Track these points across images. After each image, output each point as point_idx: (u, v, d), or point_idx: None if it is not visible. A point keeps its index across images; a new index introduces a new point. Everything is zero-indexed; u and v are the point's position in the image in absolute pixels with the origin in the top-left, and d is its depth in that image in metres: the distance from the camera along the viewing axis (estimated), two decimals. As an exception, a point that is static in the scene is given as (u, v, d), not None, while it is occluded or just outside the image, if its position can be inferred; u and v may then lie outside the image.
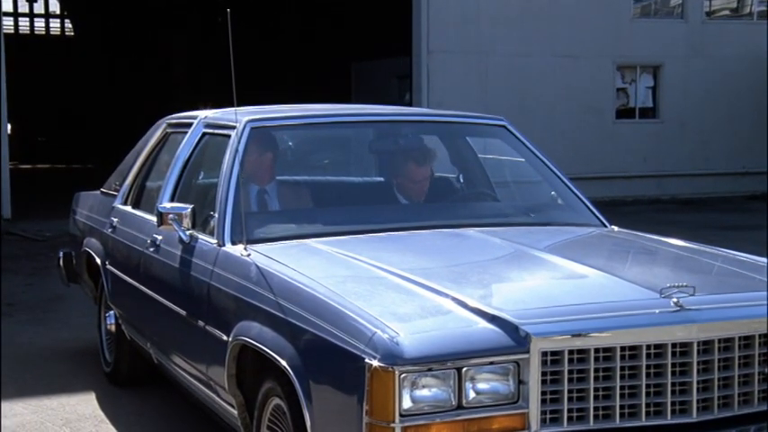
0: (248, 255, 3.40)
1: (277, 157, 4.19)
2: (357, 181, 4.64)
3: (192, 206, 3.80)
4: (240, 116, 3.98)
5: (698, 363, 2.73)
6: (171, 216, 3.77)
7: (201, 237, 3.79)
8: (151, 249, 4.20)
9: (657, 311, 2.75)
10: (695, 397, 2.74)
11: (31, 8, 31.41)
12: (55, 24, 32.34)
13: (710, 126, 16.67)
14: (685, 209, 15.00)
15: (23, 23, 31.29)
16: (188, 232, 3.79)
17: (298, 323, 2.92)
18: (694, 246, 3.78)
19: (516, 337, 2.62)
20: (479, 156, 4.64)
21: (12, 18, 30.08)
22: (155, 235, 4.18)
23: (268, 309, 3.10)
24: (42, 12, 32.13)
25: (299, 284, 3.06)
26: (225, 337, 3.33)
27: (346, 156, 4.68)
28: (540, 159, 4.32)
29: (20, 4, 31.09)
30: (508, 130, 4.39)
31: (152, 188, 4.83)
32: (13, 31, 29.00)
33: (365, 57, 18.91)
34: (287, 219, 3.97)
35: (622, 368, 2.68)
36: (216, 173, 4.29)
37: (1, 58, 12.24)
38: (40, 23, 31.99)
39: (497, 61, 15.42)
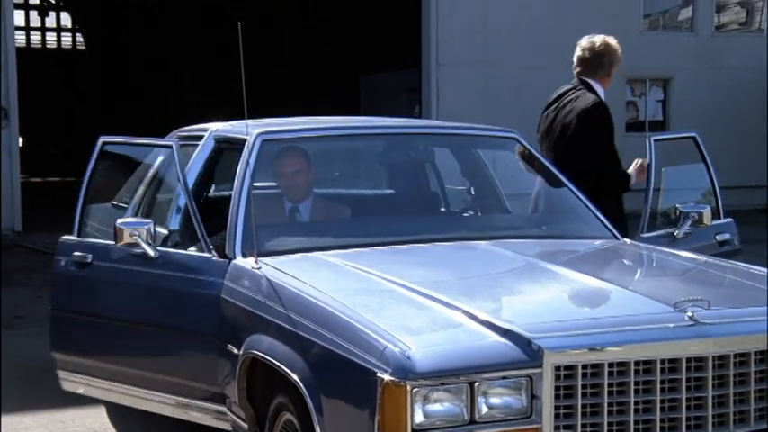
0: (259, 268, 3.39)
1: (311, 173, 4.16)
2: (368, 193, 4.63)
3: (152, 221, 3.80)
4: (251, 129, 3.98)
5: (713, 378, 2.71)
6: (132, 232, 3.71)
7: (178, 252, 3.80)
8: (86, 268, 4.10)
9: (672, 326, 2.73)
10: (710, 412, 2.71)
11: (42, 22, 31.61)
12: (66, 38, 32.52)
13: (721, 139, 16.61)
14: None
15: (35, 37, 31.48)
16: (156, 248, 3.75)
17: (309, 336, 2.90)
18: (706, 259, 3.76)
19: (529, 351, 2.61)
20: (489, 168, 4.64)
21: (24, 32, 30.25)
22: (80, 252, 4.11)
23: (279, 322, 3.08)
24: (54, 26, 32.32)
25: (310, 297, 3.04)
26: (236, 351, 3.31)
27: (357, 168, 4.67)
28: (550, 172, 4.31)
29: (32, 17, 31.29)
30: (519, 142, 4.37)
31: (162, 201, 4.82)
32: (24, 45, 29.18)
33: (374, 70, 18.95)
34: (297, 232, 3.96)
35: (636, 383, 2.66)
36: (224, 185, 4.30)
37: (12, 71, 12.30)
38: (51, 37, 32.17)
39: (506, 74, 15.41)
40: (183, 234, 3.96)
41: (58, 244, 4.30)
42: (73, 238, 4.25)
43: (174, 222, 4.06)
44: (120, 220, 3.79)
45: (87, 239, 4.24)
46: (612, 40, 4.89)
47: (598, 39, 4.87)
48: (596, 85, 4.83)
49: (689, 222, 4.21)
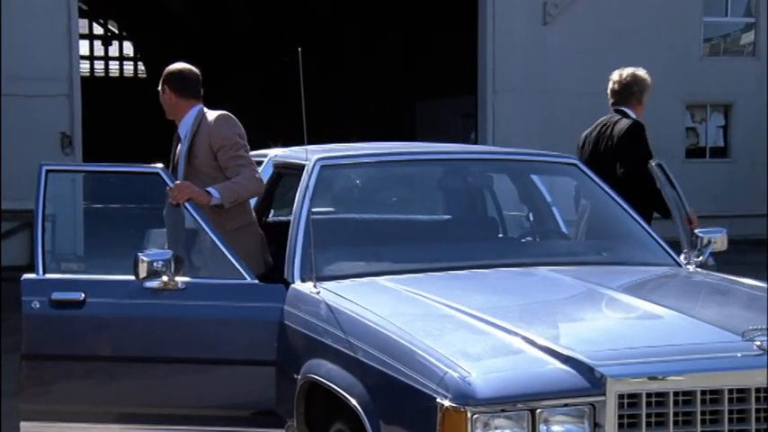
0: (318, 293, 3.40)
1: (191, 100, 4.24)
2: (425, 219, 4.62)
3: (172, 251, 3.57)
4: (310, 154, 4.01)
5: (782, 408, 2.63)
6: (158, 263, 3.49)
7: (209, 281, 3.69)
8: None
9: (740, 355, 2.66)
10: (780, 444, 2.63)
11: (106, 51, 32.36)
12: (129, 66, 33.24)
13: (783, 165, 16.28)
14: (757, 249, 14.63)
15: (99, 66, 32.24)
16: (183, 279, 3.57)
17: (368, 362, 2.90)
18: (771, 287, 3.67)
19: (591, 379, 2.57)
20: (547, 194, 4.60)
21: (88, 61, 30.99)
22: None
23: (338, 347, 3.08)
24: (117, 54, 33.07)
25: (369, 322, 3.04)
26: (294, 375, 3.32)
27: (415, 193, 4.67)
28: (612, 198, 4.25)
29: (96, 47, 32.06)
30: (579, 168, 4.33)
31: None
32: (88, 74, 29.91)
33: (430, 95, 18.99)
34: (356, 256, 3.96)
35: (703, 413, 2.60)
36: (283, 210, 4.31)
37: (77, 99, 12.59)
38: (114, 66, 32.91)
39: (563, 100, 15.33)
40: (220, 262, 3.79)
41: (23, 283, 3.74)
42: (42, 276, 3.73)
43: (208, 251, 3.87)
44: (140, 253, 3.53)
45: (76, 276, 3.89)
46: (640, 71, 5.32)
47: (626, 71, 5.32)
48: (630, 112, 5.24)
49: (711, 248, 4.08)
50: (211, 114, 4.25)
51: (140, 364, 3.71)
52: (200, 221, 3.80)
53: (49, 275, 3.74)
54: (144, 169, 4.07)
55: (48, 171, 3.93)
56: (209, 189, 3.94)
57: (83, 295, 3.68)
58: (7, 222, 11.63)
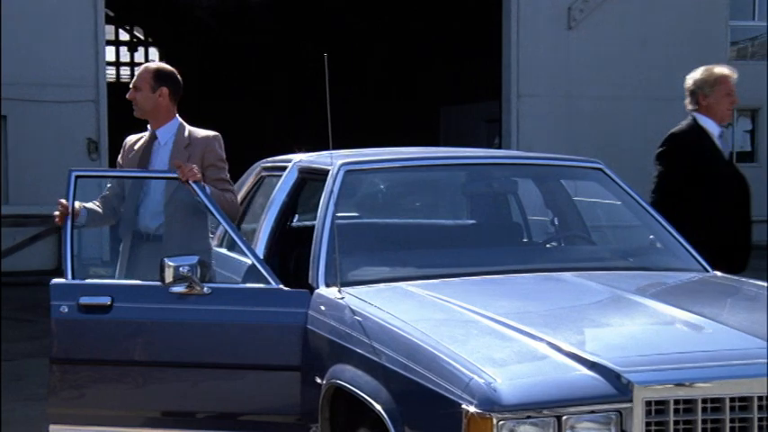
0: (342, 298, 3.39)
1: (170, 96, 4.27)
2: (450, 224, 4.61)
3: (198, 257, 3.60)
4: (335, 159, 4.01)
5: (813, 416, 2.60)
6: (181, 268, 3.52)
7: (237, 286, 3.74)
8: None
9: (769, 361, 2.63)
10: (810, 452, 2.60)
11: (131, 57, 32.61)
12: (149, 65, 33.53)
13: (812, 170, 16.11)
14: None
15: (125, 72, 32.50)
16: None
17: (392, 367, 2.89)
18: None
19: (618, 385, 2.55)
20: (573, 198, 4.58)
21: (114, 67, 31.24)
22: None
23: (362, 352, 3.08)
24: (142, 60, 33.33)
25: (394, 328, 3.03)
26: (319, 380, 3.32)
27: (439, 198, 4.66)
28: (638, 203, 4.22)
29: (121, 53, 32.32)
30: (605, 173, 4.31)
31: (246, 231, 4.89)
32: (114, 80, 30.15)
33: (454, 101, 18.97)
34: (380, 261, 3.96)
35: (732, 420, 2.57)
36: (307, 216, 4.32)
37: (104, 104, 12.69)
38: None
39: (587, 105, 15.26)
40: (247, 268, 3.86)
41: (51, 288, 3.78)
42: (71, 280, 3.77)
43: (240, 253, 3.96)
44: (166, 258, 3.56)
45: (103, 281, 3.99)
46: (698, 71, 4.95)
47: (691, 73, 4.98)
48: (699, 117, 4.87)
49: None
50: (201, 130, 4.31)
51: (166, 368, 3.73)
52: (214, 211, 3.85)
53: (77, 280, 3.77)
54: (170, 175, 4.10)
55: (77, 177, 3.99)
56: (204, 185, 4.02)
57: (110, 300, 3.72)
58: (34, 227, 11.74)
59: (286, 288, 3.64)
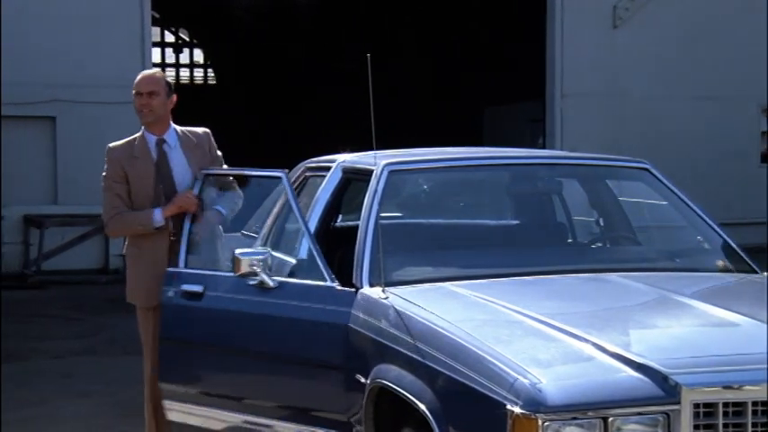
0: (386, 297, 3.40)
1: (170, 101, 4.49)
2: (494, 224, 4.60)
3: (269, 251, 3.81)
4: (379, 159, 4.02)
5: None
6: (251, 262, 3.71)
7: (297, 281, 3.80)
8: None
9: (820, 364, 2.59)
10: None
11: (177, 59, 32.98)
12: (199, 73, 33.81)
13: None
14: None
15: (170, 73, 32.88)
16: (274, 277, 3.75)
17: (437, 367, 2.89)
18: None
19: (666, 387, 2.52)
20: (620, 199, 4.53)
21: (160, 68, 31.68)
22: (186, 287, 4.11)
23: (407, 352, 3.08)
24: (187, 62, 33.69)
25: (438, 328, 3.04)
26: (363, 380, 3.32)
27: (483, 198, 4.65)
28: (686, 203, 4.17)
29: (167, 54, 32.70)
30: (651, 173, 4.26)
31: (290, 230, 4.92)
32: (160, 81, 30.51)
33: (498, 101, 18.89)
34: (424, 261, 3.96)
35: (782, 424, 2.53)
36: (351, 216, 4.33)
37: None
38: (185, 73, 33.53)
39: (633, 104, 15.10)
40: (306, 264, 3.95)
41: (165, 275, 4.25)
42: (179, 269, 4.22)
43: (297, 252, 4.07)
44: (238, 251, 3.78)
45: (198, 270, 4.25)
46: None
47: None
48: None
49: None
50: (192, 128, 4.58)
51: (237, 356, 3.95)
52: (297, 214, 3.99)
53: (182, 269, 4.22)
54: (268, 173, 4.35)
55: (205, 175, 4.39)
56: (218, 207, 4.38)
57: (202, 288, 4.06)
58: (82, 227, 11.91)
59: (337, 286, 3.67)
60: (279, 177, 4.18)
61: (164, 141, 4.47)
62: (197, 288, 4.12)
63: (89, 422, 5.46)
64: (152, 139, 4.47)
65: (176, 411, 4.29)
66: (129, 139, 4.56)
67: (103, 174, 4.52)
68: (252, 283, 3.79)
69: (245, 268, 3.72)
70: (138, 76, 4.57)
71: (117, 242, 12.27)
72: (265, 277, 3.75)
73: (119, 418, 5.46)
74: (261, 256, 3.75)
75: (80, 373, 6.64)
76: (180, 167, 4.42)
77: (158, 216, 4.28)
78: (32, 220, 11.74)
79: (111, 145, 4.58)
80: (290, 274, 3.91)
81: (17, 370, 6.70)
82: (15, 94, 11.90)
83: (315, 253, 3.79)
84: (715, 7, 15.22)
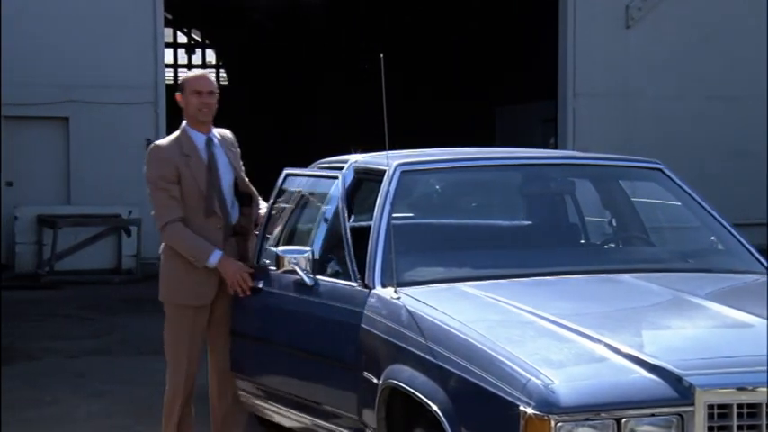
0: (398, 298, 3.40)
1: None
2: (506, 224, 4.59)
3: (311, 249, 3.87)
4: (391, 160, 4.02)
5: None
6: (291, 259, 3.82)
7: (330, 280, 3.84)
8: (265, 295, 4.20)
9: (835, 365, 2.57)
10: None
11: (189, 59, 33.06)
12: (211, 73, 33.97)
13: None
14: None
15: (182, 74, 32.95)
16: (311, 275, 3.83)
17: (449, 368, 2.89)
18: None
19: (679, 389, 2.51)
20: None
21: (172, 69, 31.73)
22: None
23: (419, 352, 3.08)
24: (200, 62, 33.77)
25: (450, 328, 3.03)
26: (375, 380, 3.33)
27: (495, 199, 4.64)
28: (699, 204, 4.16)
29: (179, 55, 32.79)
30: (664, 173, 4.25)
31: (303, 230, 4.92)
32: (173, 82, 30.62)
33: (510, 101, 18.86)
34: (436, 262, 3.96)
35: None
36: (366, 216, 4.33)
37: (162, 106, 12.87)
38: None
39: (646, 105, 15.05)
40: (338, 262, 3.98)
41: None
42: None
43: (328, 250, 4.09)
44: (281, 248, 3.92)
45: (263, 266, 4.34)
46: None
47: None
48: None
49: None
50: (220, 129, 4.58)
51: (278, 349, 4.08)
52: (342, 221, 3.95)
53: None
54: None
55: (287, 174, 4.58)
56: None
57: (261, 283, 4.21)
58: (95, 227, 11.95)
59: (359, 287, 3.68)
60: (335, 177, 4.21)
61: (212, 141, 4.44)
62: (257, 283, 4.25)
63: (102, 422, 5.47)
64: (199, 137, 4.41)
65: (245, 402, 4.43)
66: (173, 137, 4.47)
67: (149, 173, 4.35)
68: (295, 280, 3.89)
69: (285, 265, 3.84)
70: (194, 76, 4.58)
71: (130, 242, 12.36)
72: (303, 275, 3.83)
73: (133, 418, 5.47)
74: (302, 255, 3.84)
75: (93, 373, 6.65)
76: (224, 167, 4.44)
77: (214, 260, 4.23)
78: (46, 221, 11.78)
79: (158, 143, 4.50)
80: (332, 274, 3.95)
81: (30, 370, 6.73)
82: (28, 95, 11.97)
83: (347, 254, 3.80)
84: (727, 7, 15.16)
